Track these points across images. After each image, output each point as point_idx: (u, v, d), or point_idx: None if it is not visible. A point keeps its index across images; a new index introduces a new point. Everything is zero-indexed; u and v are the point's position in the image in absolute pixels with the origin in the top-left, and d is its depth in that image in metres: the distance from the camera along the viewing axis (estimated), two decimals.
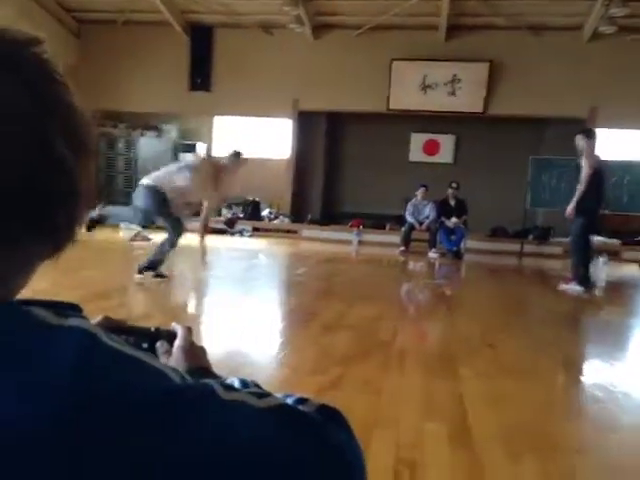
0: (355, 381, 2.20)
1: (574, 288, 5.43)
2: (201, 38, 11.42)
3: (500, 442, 1.70)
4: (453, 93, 10.60)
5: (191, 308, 3.99)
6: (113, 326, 0.75)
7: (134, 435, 0.41)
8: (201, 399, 0.45)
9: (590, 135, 5.63)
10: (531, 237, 10.18)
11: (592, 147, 5.62)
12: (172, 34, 11.24)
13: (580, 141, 5.60)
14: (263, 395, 0.51)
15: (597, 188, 5.49)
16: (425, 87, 10.68)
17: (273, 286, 5.33)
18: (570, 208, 5.50)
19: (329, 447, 0.50)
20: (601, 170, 5.57)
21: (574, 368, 2.86)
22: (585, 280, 5.46)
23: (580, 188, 5.46)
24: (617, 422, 1.98)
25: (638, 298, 5.77)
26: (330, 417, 0.53)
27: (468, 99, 10.55)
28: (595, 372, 2.82)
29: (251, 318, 3.50)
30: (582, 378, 2.71)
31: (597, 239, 9.99)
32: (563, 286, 5.58)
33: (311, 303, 4.13)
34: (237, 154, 5.38)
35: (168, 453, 0.41)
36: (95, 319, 0.75)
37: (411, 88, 10.69)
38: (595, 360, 3.08)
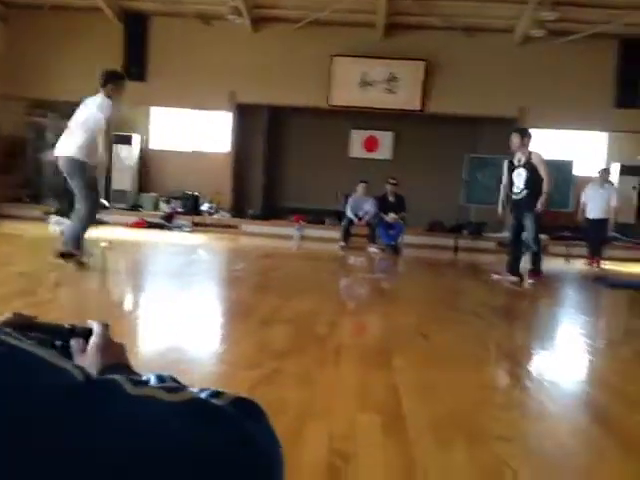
0: (290, 375, 2.19)
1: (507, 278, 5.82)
2: (136, 26, 11.07)
3: (431, 430, 1.74)
4: (391, 90, 10.78)
5: (126, 304, 3.87)
6: (24, 323, 0.72)
7: (34, 435, 0.39)
8: (106, 395, 0.44)
9: (525, 134, 5.89)
10: (465, 232, 10.51)
11: (527, 145, 5.88)
12: (105, 20, 10.84)
13: (515, 139, 5.83)
14: (175, 389, 0.49)
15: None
16: (364, 84, 10.81)
17: (211, 281, 5.25)
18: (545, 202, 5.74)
19: (242, 439, 0.49)
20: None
21: (504, 357, 2.97)
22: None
23: (548, 181, 5.70)
24: (544, 410, 2.06)
25: (565, 290, 6.07)
26: (244, 409, 0.52)
27: (406, 97, 10.76)
28: (524, 361, 2.94)
29: (188, 313, 3.43)
30: (512, 367, 2.81)
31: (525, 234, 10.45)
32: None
33: (249, 298, 4.09)
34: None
35: (73, 450, 0.39)
36: (3, 316, 0.71)
37: (351, 84, 10.79)
38: (525, 350, 3.20)
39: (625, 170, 10.99)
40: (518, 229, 5.94)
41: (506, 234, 10.74)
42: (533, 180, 5.74)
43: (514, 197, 5.90)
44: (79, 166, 4.67)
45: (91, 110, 4.72)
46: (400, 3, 9.89)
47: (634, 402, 2.20)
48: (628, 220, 10.66)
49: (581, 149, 11.31)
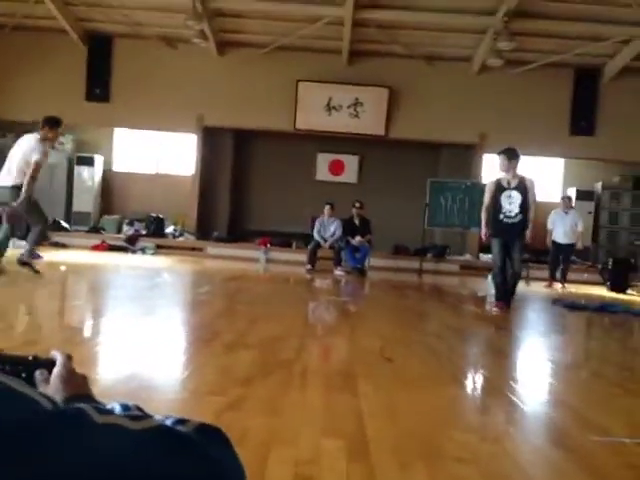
0: (255, 401, 2.18)
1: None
2: (99, 47, 11.03)
3: (394, 454, 1.76)
4: (356, 115, 10.98)
5: (86, 330, 3.78)
6: None
7: (3, 461, 0.39)
8: (73, 423, 0.45)
9: (512, 156, 5.57)
10: (430, 255, 10.67)
11: (515, 169, 5.59)
12: (68, 41, 10.76)
13: (503, 160, 5.57)
14: (140, 417, 0.50)
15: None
16: (330, 108, 10.97)
17: (175, 305, 5.18)
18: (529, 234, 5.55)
19: (207, 465, 0.50)
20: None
21: (466, 380, 3.01)
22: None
23: (534, 210, 5.52)
24: (503, 432, 2.10)
25: (525, 312, 6.20)
26: (209, 436, 0.53)
27: (370, 122, 10.97)
28: (485, 383, 2.99)
29: (151, 339, 3.37)
30: (473, 390, 2.86)
31: (488, 257, 10.69)
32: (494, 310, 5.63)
33: (213, 322, 4.05)
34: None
35: (41, 477, 0.40)
36: None
37: (317, 109, 10.94)
38: (486, 372, 3.26)
39: (581, 195, 11.41)
40: (506, 255, 5.59)
41: (468, 257, 10.99)
42: (526, 205, 5.51)
43: (507, 221, 5.55)
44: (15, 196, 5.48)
45: (25, 152, 5.54)
46: (364, 31, 10.14)
47: (593, 423, 2.26)
48: (585, 244, 11.02)
49: (539, 175, 11.68)
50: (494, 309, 5.62)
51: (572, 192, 11.47)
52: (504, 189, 5.58)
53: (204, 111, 10.95)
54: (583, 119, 11.05)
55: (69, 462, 0.41)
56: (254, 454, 1.61)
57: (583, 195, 11.44)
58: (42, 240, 5.66)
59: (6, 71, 10.74)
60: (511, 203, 5.53)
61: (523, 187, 5.53)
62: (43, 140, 5.59)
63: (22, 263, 5.68)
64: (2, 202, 5.55)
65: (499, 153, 5.67)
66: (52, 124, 5.65)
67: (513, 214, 5.53)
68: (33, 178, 5.45)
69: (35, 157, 5.43)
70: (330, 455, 1.70)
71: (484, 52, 10.26)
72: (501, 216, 5.58)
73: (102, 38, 10.95)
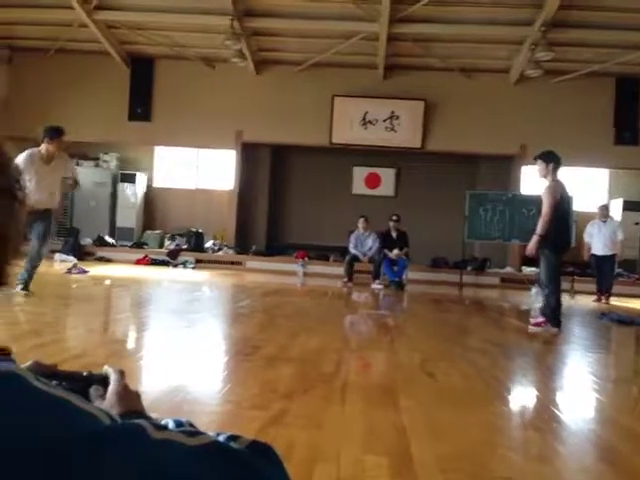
0: (297, 415, 2.19)
1: (549, 329, 5.01)
2: (142, 68, 11.38)
3: (439, 472, 1.73)
4: (392, 129, 10.98)
5: (130, 344, 3.87)
6: (44, 371, 0.74)
7: (65, 475, 0.41)
8: (131, 438, 0.46)
9: (548, 159, 5.04)
10: (469, 268, 10.51)
11: (554, 172, 5.04)
12: (111, 63, 11.14)
13: (538, 166, 5.09)
14: (194, 433, 0.52)
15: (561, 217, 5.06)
16: (366, 122, 11.01)
17: (216, 319, 5.25)
18: (532, 245, 5.04)
19: None
20: (563, 199, 5.07)
21: (510, 396, 2.95)
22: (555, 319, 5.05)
23: (545, 219, 4.95)
24: (550, 451, 2.05)
25: (572, 326, 6.03)
26: (261, 453, 0.54)
27: (406, 135, 10.95)
28: (531, 400, 2.92)
29: (193, 353, 3.43)
30: (518, 406, 2.80)
31: (530, 270, 10.46)
32: (533, 329, 5.11)
33: (254, 336, 4.09)
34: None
35: None
36: (25, 364, 0.74)
37: (352, 123, 11.00)
38: (531, 388, 3.19)
39: (627, 206, 11.07)
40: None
41: (509, 269, 10.78)
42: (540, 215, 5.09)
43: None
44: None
45: None
46: (399, 45, 10.16)
47: None
48: (632, 256, 10.68)
49: (583, 185, 11.41)
50: (533, 327, 5.15)
51: (618, 203, 11.14)
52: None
53: (243, 127, 11.14)
54: (627, 129, 10.76)
55: (126, 477, 0.43)
56: (297, 470, 1.62)
57: (630, 206, 11.09)
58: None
59: (51, 93, 11.19)
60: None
61: (542, 196, 5.10)
62: (39, 149, 5.21)
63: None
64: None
65: (535, 157, 5.19)
66: (50, 135, 5.20)
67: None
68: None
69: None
70: (373, 472, 1.70)
71: (522, 63, 10.14)
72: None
73: (144, 59, 11.31)
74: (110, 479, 0.42)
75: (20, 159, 5.02)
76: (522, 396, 3.03)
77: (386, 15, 8.95)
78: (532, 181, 11.30)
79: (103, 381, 0.76)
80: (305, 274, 9.76)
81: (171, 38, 10.61)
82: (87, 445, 0.43)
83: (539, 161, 5.11)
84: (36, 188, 4.93)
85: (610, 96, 10.82)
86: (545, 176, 5.08)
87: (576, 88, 10.66)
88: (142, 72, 11.33)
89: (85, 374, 0.77)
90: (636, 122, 10.78)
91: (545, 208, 5.00)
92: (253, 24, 9.82)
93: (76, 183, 5.58)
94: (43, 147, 5.23)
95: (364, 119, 11.00)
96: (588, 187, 11.53)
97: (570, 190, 5.43)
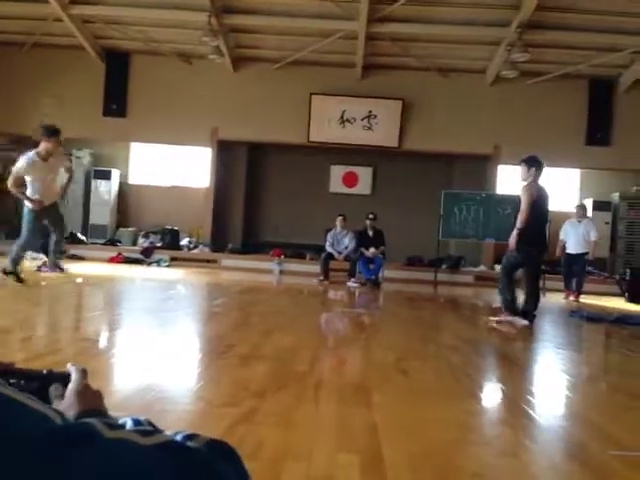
0: (269, 413, 2.18)
1: (518, 321, 5.32)
2: (117, 64, 11.21)
3: (409, 469, 1.74)
4: (370, 128, 11.01)
5: (102, 342, 3.81)
6: (2, 369, 0.73)
7: (11, 474, 0.40)
8: (81, 438, 0.45)
9: (531, 163, 5.39)
10: (444, 266, 10.61)
11: (535, 175, 5.39)
12: (86, 58, 10.96)
13: (523, 168, 5.42)
14: (149, 432, 0.51)
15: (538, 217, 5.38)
16: (344, 121, 11.02)
17: (190, 317, 5.20)
18: (512, 239, 5.35)
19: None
20: (540, 200, 5.41)
21: (482, 394, 2.98)
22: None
23: (523, 215, 5.27)
24: (520, 448, 2.07)
25: (542, 324, 6.12)
26: (219, 451, 0.53)
27: (384, 134, 10.99)
28: (501, 397, 2.95)
29: (165, 350, 3.39)
30: (489, 404, 2.83)
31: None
32: (498, 318, 5.46)
33: (228, 334, 4.06)
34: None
35: None
36: None
37: (330, 121, 11.00)
38: (502, 385, 3.22)
39: (598, 206, 11.30)
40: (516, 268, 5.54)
41: (482, 267, 10.91)
42: (515, 215, 5.45)
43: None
44: None
45: None
46: (378, 44, 10.19)
47: (611, 437, 2.22)
48: (602, 255, 10.90)
49: (555, 185, 11.59)
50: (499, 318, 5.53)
51: (589, 203, 11.36)
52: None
53: (219, 125, 11.06)
54: (599, 130, 10.97)
55: (77, 477, 0.42)
56: (267, 468, 1.61)
57: (600, 205, 11.33)
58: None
59: (25, 87, 10.96)
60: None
61: (520, 197, 5.43)
62: (36, 152, 5.74)
63: (5, 273, 5.76)
64: None
65: (520, 161, 5.52)
66: (48, 134, 5.74)
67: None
68: (10, 187, 5.71)
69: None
70: (344, 471, 1.69)
71: (498, 64, 10.26)
72: None
73: (119, 55, 11.14)
74: (58, 479, 0.41)
75: (20, 166, 5.61)
76: (493, 393, 3.06)
77: (365, 14, 8.96)
78: (507, 181, 11.47)
79: (63, 379, 0.75)
80: (281, 272, 9.74)
81: (147, 33, 10.47)
82: (37, 445, 0.42)
83: (522, 164, 5.44)
84: (42, 187, 5.55)
85: (583, 98, 11.02)
86: (526, 179, 5.40)
87: (550, 89, 10.83)
88: (117, 67, 11.16)
89: (45, 372, 0.76)
90: (608, 123, 11.00)
91: (523, 205, 5.30)
92: (231, 21, 9.75)
93: (71, 172, 6.21)
94: (42, 145, 5.72)
95: (342, 118, 11.01)
96: (560, 187, 11.73)
97: (548, 193, 5.65)
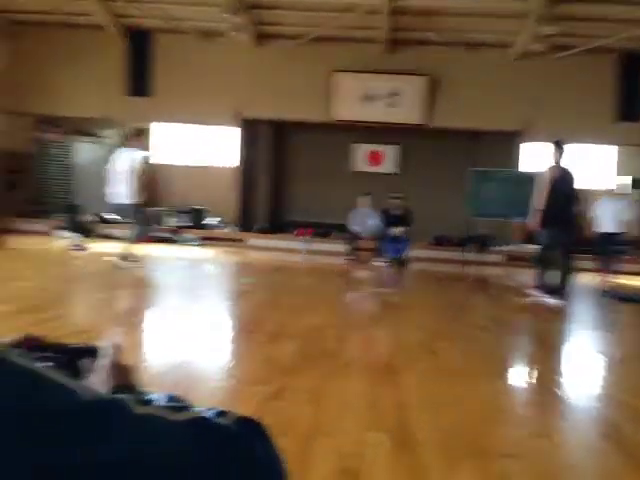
0: (298, 391, 2.20)
1: (548, 300, 5.39)
2: (139, 42, 11.19)
3: (440, 448, 1.74)
4: (394, 105, 10.83)
5: (134, 319, 3.88)
6: (33, 343, 0.74)
7: (42, 451, 0.40)
8: (110, 413, 0.45)
9: (557, 145, 5.63)
10: (472, 245, 10.48)
11: (557, 157, 5.60)
12: (108, 37, 10.98)
13: (552, 152, 5.62)
14: (180, 409, 0.51)
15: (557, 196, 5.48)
16: (367, 99, 10.86)
17: (219, 296, 5.26)
18: (531, 220, 5.57)
19: (245, 457, 0.51)
20: (560, 179, 5.54)
21: (512, 373, 2.96)
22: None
23: (536, 198, 5.49)
24: (553, 427, 2.06)
25: (575, 304, 6.03)
26: (248, 428, 0.54)
27: (409, 111, 10.81)
28: (533, 377, 2.93)
29: (196, 328, 3.44)
30: (520, 383, 2.80)
31: (534, 248, 10.41)
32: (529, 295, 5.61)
33: (257, 313, 4.10)
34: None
35: (77, 466, 0.41)
36: (14, 337, 0.74)
37: (353, 99, 10.85)
38: (533, 365, 3.19)
39: (636, 184, 10.98)
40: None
41: (512, 247, 10.75)
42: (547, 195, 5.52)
43: None
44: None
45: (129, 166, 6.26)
46: (401, 19, 9.97)
47: None
48: (638, 233, 10.62)
49: (590, 163, 11.28)
50: (531, 293, 5.65)
51: (628, 180, 11.03)
52: None
53: (241, 103, 11.01)
54: (631, 105, 10.61)
55: (105, 452, 0.42)
56: (298, 445, 1.63)
57: (639, 183, 11.00)
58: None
59: (49, 67, 11.05)
60: None
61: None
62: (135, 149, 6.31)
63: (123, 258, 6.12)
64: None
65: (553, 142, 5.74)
66: (138, 134, 6.48)
67: None
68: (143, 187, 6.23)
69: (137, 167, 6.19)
70: (374, 448, 1.70)
71: (526, 37, 9.95)
72: None
73: (141, 33, 11.11)
74: (87, 454, 0.42)
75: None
76: (523, 373, 3.04)
77: None
78: (534, 158, 11.22)
79: (93, 354, 0.75)
80: (308, 251, 9.76)
81: (168, 11, 10.41)
82: (64, 420, 0.42)
83: (553, 147, 5.64)
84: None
85: (614, 72, 10.65)
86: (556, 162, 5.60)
87: (580, 64, 10.48)
88: (139, 46, 11.13)
89: (76, 346, 0.76)
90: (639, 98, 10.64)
91: (539, 186, 5.56)
92: None
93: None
94: (134, 143, 6.36)
95: (365, 95, 10.86)
96: (596, 164, 11.41)
97: (573, 175, 5.74)
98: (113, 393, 0.67)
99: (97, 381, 0.70)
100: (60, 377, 0.46)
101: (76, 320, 3.63)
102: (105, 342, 0.77)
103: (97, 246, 7.65)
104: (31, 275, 5.21)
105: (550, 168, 5.60)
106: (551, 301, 5.34)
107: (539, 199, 5.51)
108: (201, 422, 0.50)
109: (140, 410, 0.47)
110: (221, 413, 0.55)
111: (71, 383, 0.46)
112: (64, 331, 2.97)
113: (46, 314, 3.49)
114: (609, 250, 8.51)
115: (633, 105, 10.62)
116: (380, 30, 10.16)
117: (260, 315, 3.98)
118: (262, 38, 11.03)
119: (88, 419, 0.43)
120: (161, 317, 3.88)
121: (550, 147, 5.73)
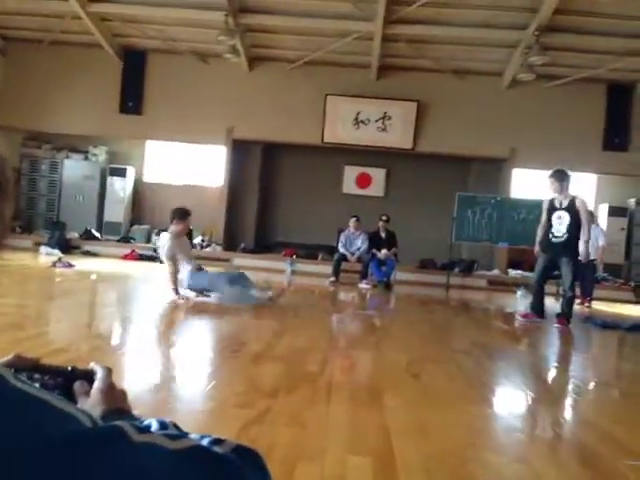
0: (281, 414, 2.19)
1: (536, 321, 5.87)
2: (134, 61, 11.30)
3: (421, 472, 1.74)
4: (384, 129, 10.99)
5: (114, 339, 3.84)
6: (26, 365, 0.73)
7: (40, 477, 0.40)
8: (111, 442, 0.45)
9: (562, 178, 5.89)
10: (457, 270, 10.55)
11: (555, 188, 5.91)
12: (103, 56, 11.06)
13: (553, 184, 5.87)
14: (177, 437, 0.51)
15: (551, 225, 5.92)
16: (358, 122, 11.01)
17: (202, 315, 5.22)
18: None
19: None
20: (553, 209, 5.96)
21: (493, 398, 2.96)
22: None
23: (586, 230, 5.72)
24: (532, 453, 2.06)
25: (554, 329, 6.08)
26: (245, 457, 0.54)
27: (398, 135, 10.96)
28: (513, 402, 2.94)
29: (178, 349, 3.41)
30: (500, 408, 2.81)
31: (516, 273, 10.51)
32: (520, 319, 6.02)
33: (240, 333, 4.08)
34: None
35: None
36: (6, 358, 0.73)
37: (345, 123, 10.99)
38: (514, 390, 3.20)
39: (614, 211, 11.18)
40: (549, 271, 6.02)
41: (496, 272, 10.84)
42: (575, 225, 5.74)
43: (554, 240, 5.86)
44: None
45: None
46: (394, 45, 10.17)
47: (626, 446, 2.20)
48: (617, 261, 10.78)
49: (570, 190, 11.43)
50: (520, 318, 5.98)
51: (604, 208, 11.24)
52: (556, 209, 5.88)
53: (234, 124, 11.10)
54: (616, 135, 10.86)
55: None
56: (280, 469, 1.62)
57: (616, 211, 11.21)
58: None
59: (43, 85, 11.08)
60: (560, 223, 5.81)
61: (573, 208, 5.77)
62: (175, 235, 5.47)
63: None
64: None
65: (549, 176, 5.93)
66: (180, 216, 5.51)
67: (560, 234, 5.79)
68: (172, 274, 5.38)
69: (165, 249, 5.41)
70: (356, 473, 1.69)
71: (515, 66, 10.19)
72: (550, 235, 5.87)
73: (136, 53, 11.22)
74: None
75: (166, 242, 5.41)
76: (505, 398, 3.04)
77: (381, 15, 8.95)
78: (522, 184, 11.38)
79: (87, 377, 0.75)
80: (293, 272, 9.74)
81: (164, 32, 10.53)
82: (64, 448, 0.42)
83: (551, 179, 5.89)
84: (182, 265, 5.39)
85: (601, 102, 10.91)
86: (558, 192, 5.88)
87: (567, 93, 10.74)
88: (134, 65, 11.24)
89: (69, 369, 0.76)
90: (626, 128, 10.89)
91: (587, 217, 5.81)
92: (247, 20, 9.78)
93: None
94: (174, 227, 5.47)
95: (356, 119, 11.00)
96: (576, 192, 11.58)
97: (579, 202, 6.01)
98: (107, 417, 0.66)
99: (91, 404, 0.69)
100: (60, 402, 0.46)
101: (55, 339, 3.58)
102: (97, 365, 0.77)
103: (82, 263, 7.58)
104: (12, 291, 5.15)
105: (549, 199, 5.97)
106: (540, 321, 5.76)
107: (587, 232, 5.78)
108: (199, 451, 0.50)
109: (139, 438, 0.47)
110: (217, 441, 0.55)
111: (71, 409, 0.46)
112: (41, 351, 2.93)
113: (24, 332, 3.45)
114: (585, 277, 8.62)
115: (620, 135, 10.87)
116: (372, 56, 10.34)
117: (243, 336, 3.96)
118: (256, 60, 11.18)
119: (89, 446, 0.43)
120: (140, 337, 3.84)
121: (543, 175, 6.12)
